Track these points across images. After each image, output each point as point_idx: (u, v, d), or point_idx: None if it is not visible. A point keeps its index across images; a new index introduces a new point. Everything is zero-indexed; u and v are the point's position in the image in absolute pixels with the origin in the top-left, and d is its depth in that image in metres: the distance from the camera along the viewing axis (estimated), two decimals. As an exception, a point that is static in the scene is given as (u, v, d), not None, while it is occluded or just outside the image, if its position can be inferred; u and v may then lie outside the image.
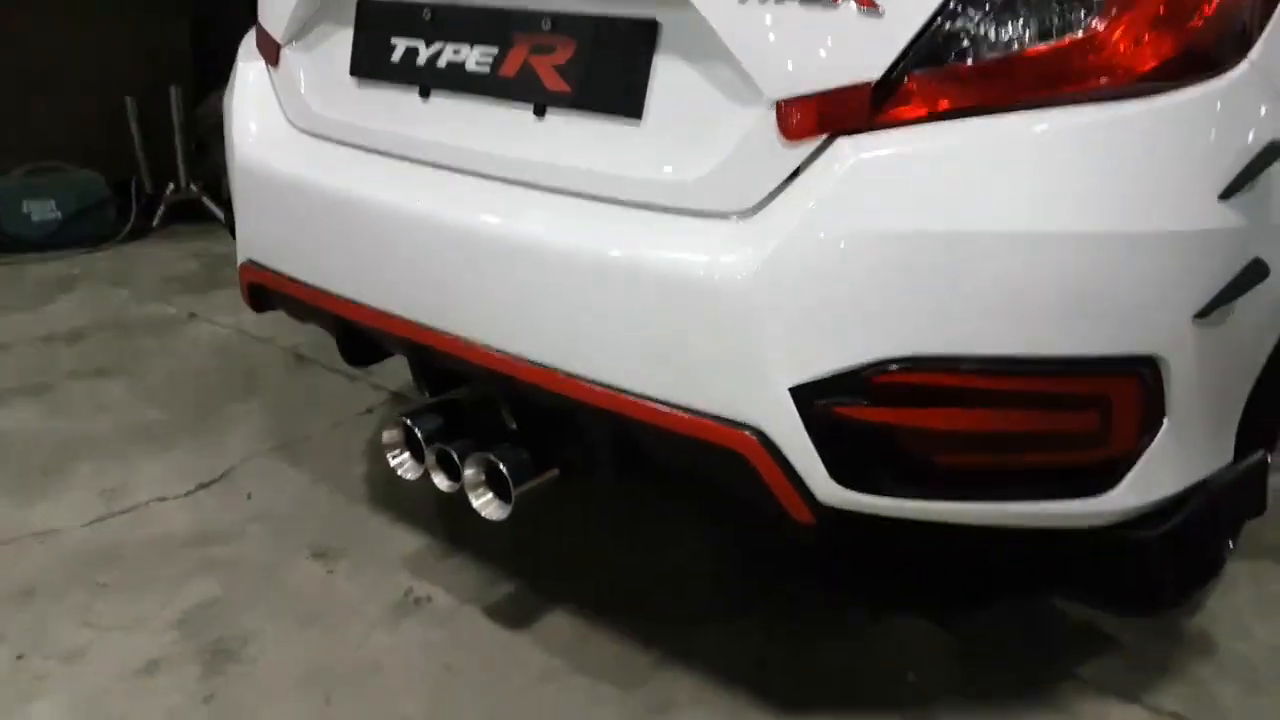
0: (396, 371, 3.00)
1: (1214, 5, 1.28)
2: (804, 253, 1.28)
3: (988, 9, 1.25)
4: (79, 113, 4.24)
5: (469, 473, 1.68)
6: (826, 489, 1.35)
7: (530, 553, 2.13)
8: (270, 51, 1.90)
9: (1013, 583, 2.00)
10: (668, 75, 1.42)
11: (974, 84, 1.26)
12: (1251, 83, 1.33)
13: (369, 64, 1.75)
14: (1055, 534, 1.48)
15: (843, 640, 1.95)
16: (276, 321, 3.33)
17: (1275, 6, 1.36)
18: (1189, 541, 1.53)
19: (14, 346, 3.16)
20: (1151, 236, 1.27)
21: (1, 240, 4.02)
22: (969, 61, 1.25)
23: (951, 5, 1.24)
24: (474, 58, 1.59)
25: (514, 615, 1.95)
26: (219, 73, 4.59)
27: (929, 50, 1.25)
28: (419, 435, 1.73)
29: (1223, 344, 1.42)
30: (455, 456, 1.69)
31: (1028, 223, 1.24)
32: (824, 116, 1.28)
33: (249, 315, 3.40)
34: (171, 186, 4.44)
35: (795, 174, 1.32)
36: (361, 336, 1.88)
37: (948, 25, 1.25)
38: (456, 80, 1.63)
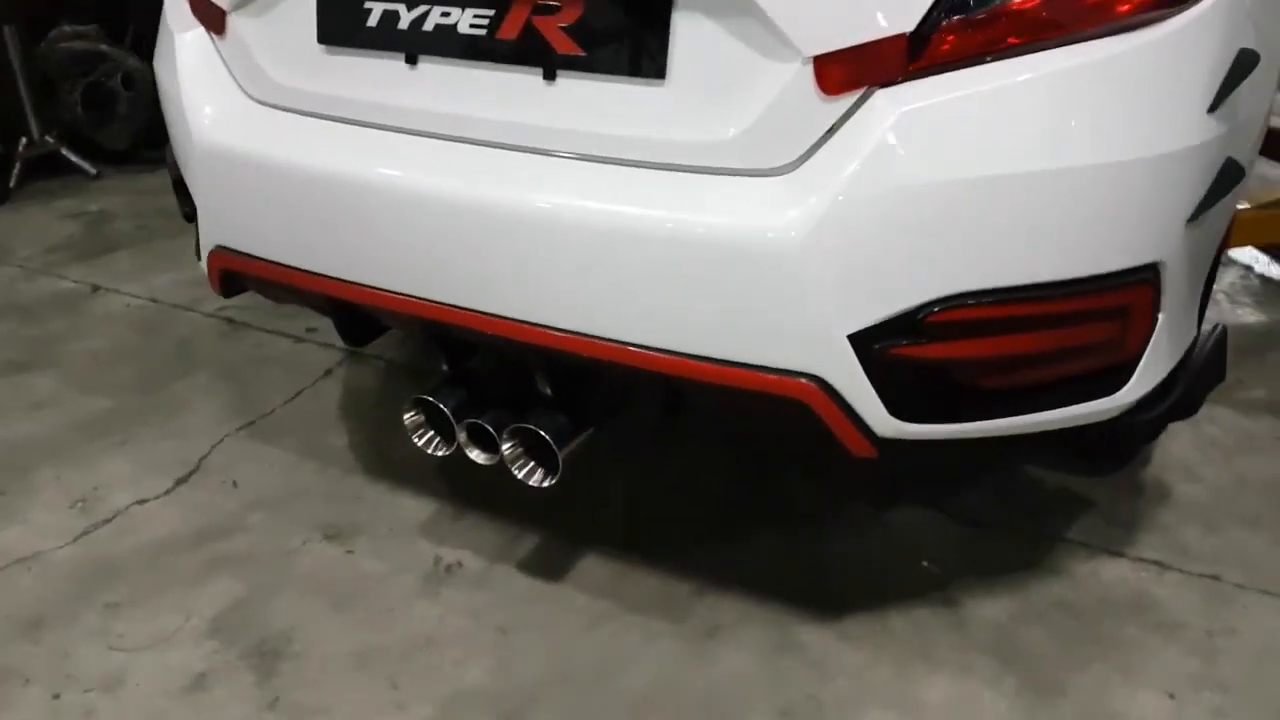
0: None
1: None
2: (856, 207, 1.32)
3: None
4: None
5: (508, 446, 1.69)
6: (885, 424, 1.43)
7: (538, 502, 2.15)
8: (213, 19, 1.76)
9: (1001, 460, 2.18)
10: (689, 34, 1.41)
11: (998, 29, 1.30)
12: (1221, 1, 1.42)
13: (341, 30, 1.65)
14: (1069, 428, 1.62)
15: (854, 538, 2.09)
16: (189, 285, 3.19)
17: None
18: (1174, 415, 1.70)
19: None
20: (1156, 159, 1.37)
21: None
22: (992, 7, 1.29)
23: None
24: (467, 20, 1.53)
25: (547, 567, 2.00)
26: (56, 1, 4.21)
27: None
28: (447, 412, 1.72)
29: (1201, 241, 1.56)
30: (491, 429, 1.69)
31: (1054, 159, 1.32)
32: (861, 70, 1.31)
33: (157, 281, 3.26)
34: (24, 141, 4.07)
35: (833, 129, 1.34)
36: (359, 316, 1.83)
37: None
38: (448, 45, 1.56)
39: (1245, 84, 1.48)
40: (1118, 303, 1.43)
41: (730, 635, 1.84)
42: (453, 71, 1.58)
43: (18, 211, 3.93)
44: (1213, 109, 1.41)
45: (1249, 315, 3.06)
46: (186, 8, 1.83)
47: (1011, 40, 1.30)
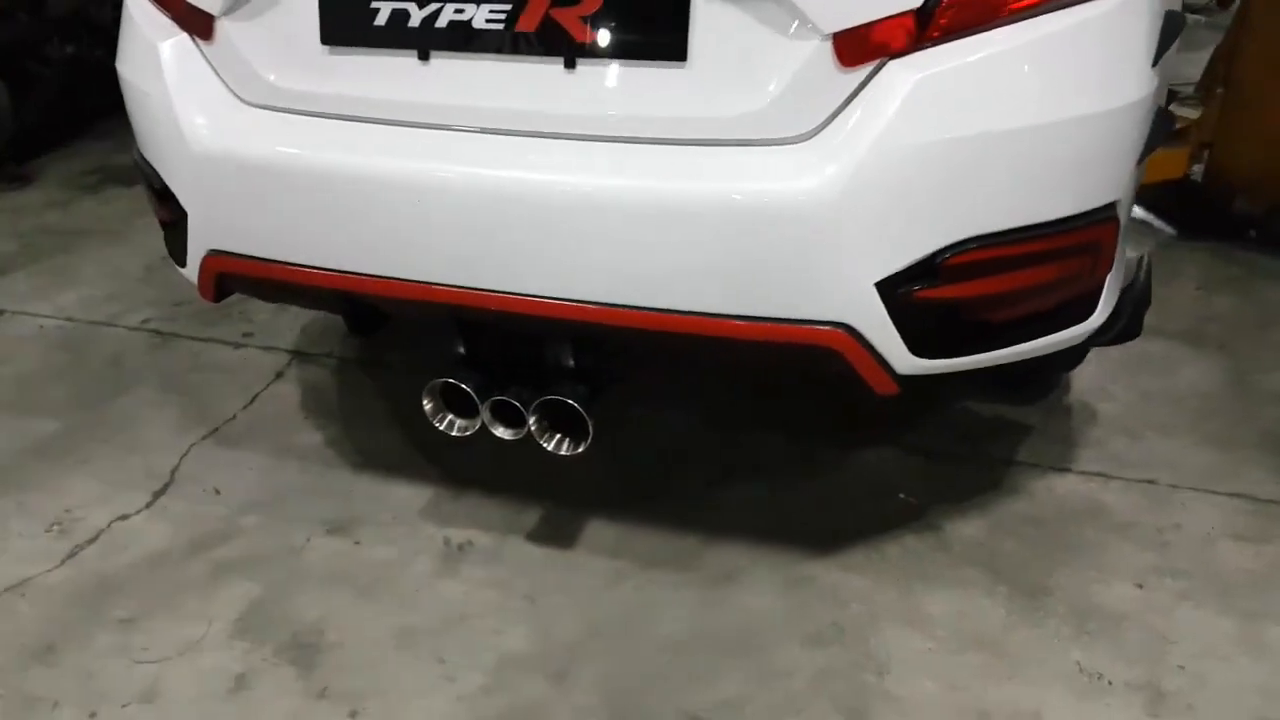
0: (280, 330, 2.89)
1: None
2: (879, 167, 1.46)
3: None
4: None
5: (534, 420, 1.76)
6: (905, 362, 1.59)
7: (532, 475, 2.22)
8: (198, 25, 1.74)
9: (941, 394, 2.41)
10: (708, 18, 1.51)
11: (989, 2, 1.47)
12: None
13: (346, 30, 1.67)
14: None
15: (829, 479, 2.26)
16: (103, 301, 3.07)
17: None
18: (1122, 337, 1.93)
19: None
20: (1123, 108, 1.57)
21: None
22: None
23: None
24: (483, 15, 1.58)
25: (556, 535, 2.08)
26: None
27: None
28: (471, 392, 1.77)
29: (1136, 182, 1.79)
30: (518, 405, 1.76)
31: (1046, 113, 1.50)
32: (877, 43, 1.45)
33: (64, 300, 3.13)
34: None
35: (851, 97, 1.48)
36: (368, 308, 1.85)
37: None
38: (463, 40, 1.61)
39: (1174, 43, 1.71)
40: (1093, 238, 1.63)
41: (745, 577, 1.97)
42: (468, 65, 1.63)
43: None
44: (1154, 64, 1.62)
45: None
46: (160, 14, 1.80)
47: (1004, 10, 1.47)
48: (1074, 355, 2.18)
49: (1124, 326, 1.89)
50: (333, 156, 1.67)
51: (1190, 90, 3.40)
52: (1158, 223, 3.56)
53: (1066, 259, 1.62)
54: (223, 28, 1.74)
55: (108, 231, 3.63)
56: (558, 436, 1.80)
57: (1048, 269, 1.60)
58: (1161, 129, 1.75)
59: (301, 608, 1.91)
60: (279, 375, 2.67)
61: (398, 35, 1.64)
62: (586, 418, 1.73)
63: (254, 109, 1.75)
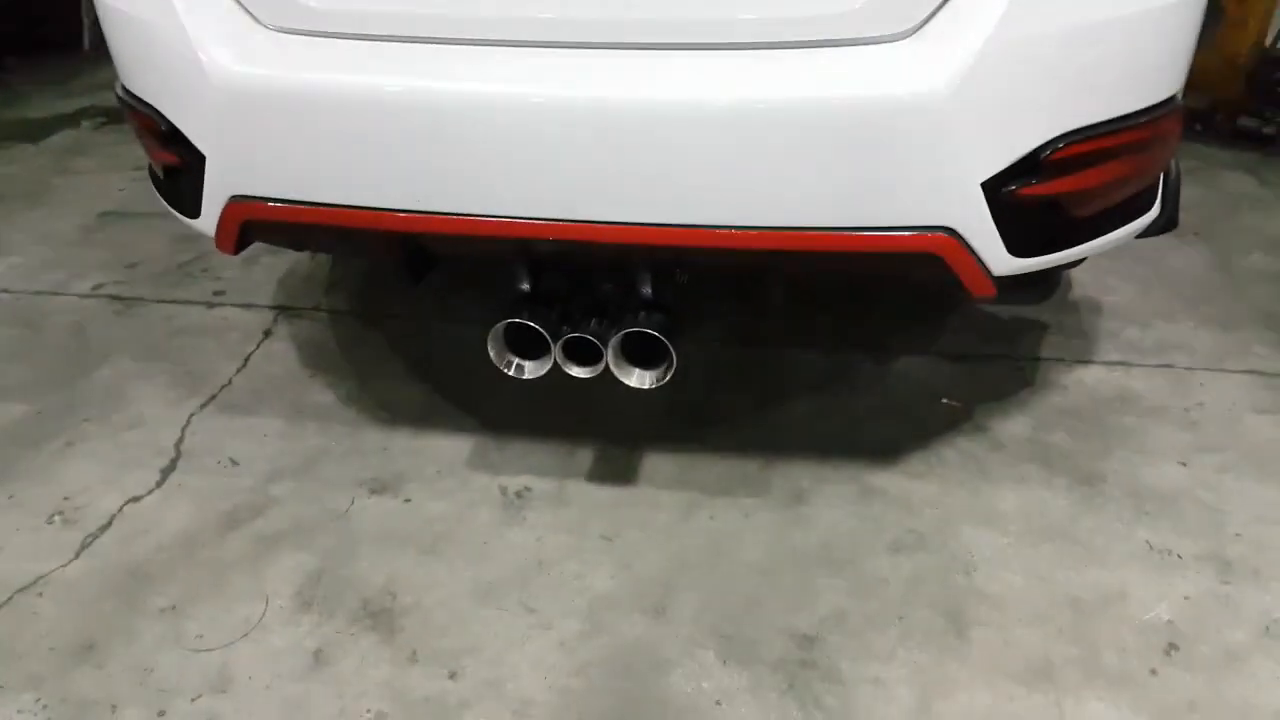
0: (255, 285, 2.71)
1: None
2: (988, 64, 1.41)
3: None
4: None
5: (613, 356, 1.68)
6: (1003, 263, 1.57)
7: (568, 412, 2.14)
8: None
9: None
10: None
11: None
12: None
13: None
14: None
15: (873, 388, 2.25)
16: (38, 269, 2.82)
17: None
18: (1165, 228, 1.96)
19: None
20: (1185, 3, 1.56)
21: None
22: None
23: None
24: None
25: (616, 473, 2.01)
26: None
27: None
28: (543, 332, 1.67)
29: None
30: (595, 341, 1.67)
31: (1138, 2, 1.48)
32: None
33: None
34: None
35: (953, -11, 1.43)
36: (423, 250, 1.72)
37: None
38: None
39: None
40: (1167, 129, 1.63)
41: (815, 496, 1.95)
42: None
43: None
44: None
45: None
46: None
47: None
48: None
49: (1169, 218, 1.91)
50: (387, 82, 1.51)
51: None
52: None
53: (1146, 151, 1.62)
54: (240, -55, 1.55)
55: (23, 195, 3.32)
56: (636, 371, 1.72)
57: (1131, 161, 1.60)
58: (1213, 24, 1.75)
59: (364, 573, 1.80)
60: (268, 334, 2.50)
61: None
62: (671, 348, 1.66)
63: (281, 34, 1.58)
